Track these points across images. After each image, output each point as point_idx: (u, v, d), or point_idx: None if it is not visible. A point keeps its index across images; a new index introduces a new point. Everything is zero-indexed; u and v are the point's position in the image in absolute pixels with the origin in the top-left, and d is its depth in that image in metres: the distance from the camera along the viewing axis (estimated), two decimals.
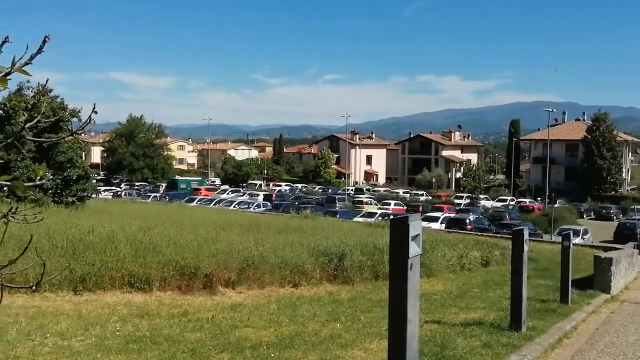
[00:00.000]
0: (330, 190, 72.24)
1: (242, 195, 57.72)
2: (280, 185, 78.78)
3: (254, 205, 44.95)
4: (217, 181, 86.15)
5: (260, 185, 78.74)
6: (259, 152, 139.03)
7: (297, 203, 47.71)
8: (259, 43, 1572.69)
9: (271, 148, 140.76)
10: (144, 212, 25.50)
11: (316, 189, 75.64)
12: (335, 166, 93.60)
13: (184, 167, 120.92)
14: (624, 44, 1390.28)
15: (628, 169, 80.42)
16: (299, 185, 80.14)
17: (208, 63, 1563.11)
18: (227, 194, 59.92)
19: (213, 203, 46.17)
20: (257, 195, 57.59)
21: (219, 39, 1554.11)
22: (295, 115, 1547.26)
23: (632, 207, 49.12)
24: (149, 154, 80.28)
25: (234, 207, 43.57)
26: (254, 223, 21.59)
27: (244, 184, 77.45)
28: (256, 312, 9.30)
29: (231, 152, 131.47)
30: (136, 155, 78.69)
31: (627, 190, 76.57)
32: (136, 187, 67.24)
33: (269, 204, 47.50)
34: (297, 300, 10.87)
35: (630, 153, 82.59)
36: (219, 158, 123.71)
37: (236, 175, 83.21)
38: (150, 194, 57.07)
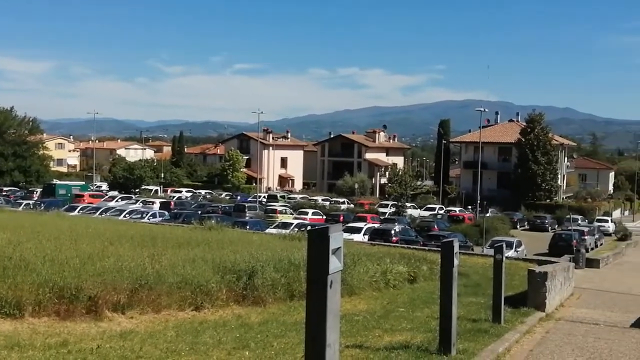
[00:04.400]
0: (239, 197, 72.00)
1: (135, 203, 56.46)
2: (180, 192, 77.67)
3: (149, 215, 44.10)
4: (104, 186, 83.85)
5: (157, 191, 77.36)
6: (155, 152, 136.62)
7: (200, 212, 47.19)
8: (154, 23, 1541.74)
9: (170, 148, 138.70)
10: (14, 223, 24.37)
11: (223, 195, 75.16)
12: (245, 169, 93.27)
13: (63, 169, 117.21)
14: (560, 40, 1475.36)
15: (564, 175, 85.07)
16: (203, 192, 79.41)
17: (94, 45, 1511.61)
18: (116, 201, 58.37)
19: (99, 212, 44.86)
20: (153, 202, 56.47)
21: (107, 16, 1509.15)
22: (199, 110, 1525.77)
23: (568, 216, 52.05)
24: (20, 154, 77.46)
25: (125, 216, 42.54)
26: (148, 236, 21.10)
27: (137, 190, 75.74)
28: (150, 341, 9.11)
29: (121, 152, 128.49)
30: (5, 154, 75.89)
31: (563, 198, 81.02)
32: (5, 193, 64.66)
33: (166, 213, 46.70)
34: (199, 325, 10.73)
35: (566, 158, 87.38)
36: (107, 159, 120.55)
37: (127, 180, 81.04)
38: (21, 201, 54.70)
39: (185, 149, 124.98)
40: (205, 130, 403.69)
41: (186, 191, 78.90)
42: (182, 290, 11.99)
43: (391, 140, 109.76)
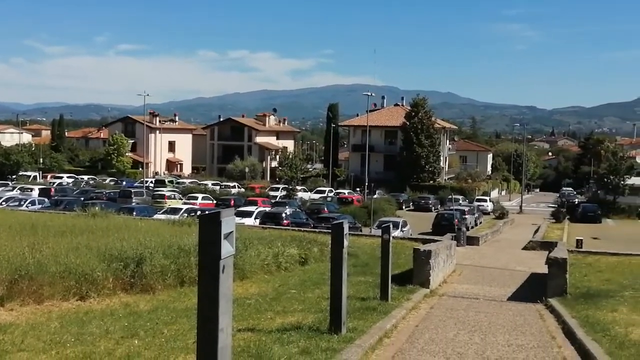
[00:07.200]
0: (124, 183, 69.88)
1: (12, 190, 53.64)
2: (61, 177, 74.35)
3: (27, 202, 42.12)
4: None
5: (35, 177, 73.83)
6: (33, 136, 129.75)
7: (83, 199, 45.49)
8: (33, 1, 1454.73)
9: (49, 132, 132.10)
10: None
11: (107, 181, 72.76)
12: (130, 154, 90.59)
13: None
14: (441, 26, 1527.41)
15: (446, 158, 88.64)
16: (86, 177, 76.44)
17: None
18: None
19: None
20: (31, 189, 53.83)
21: None
22: (81, 93, 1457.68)
23: (450, 197, 54.45)
24: None
25: (1, 204, 40.51)
26: (27, 224, 20.14)
27: (14, 176, 71.98)
28: (33, 333, 8.72)
29: None
30: None
31: (445, 179, 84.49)
32: None
33: (46, 200, 44.71)
34: (84, 315, 10.39)
35: (448, 141, 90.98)
36: None
37: (3, 166, 77.05)
38: None
39: (66, 133, 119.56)
40: (87, 113, 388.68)
41: (67, 177, 75.64)
42: (66, 280, 11.56)
43: (281, 124, 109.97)
